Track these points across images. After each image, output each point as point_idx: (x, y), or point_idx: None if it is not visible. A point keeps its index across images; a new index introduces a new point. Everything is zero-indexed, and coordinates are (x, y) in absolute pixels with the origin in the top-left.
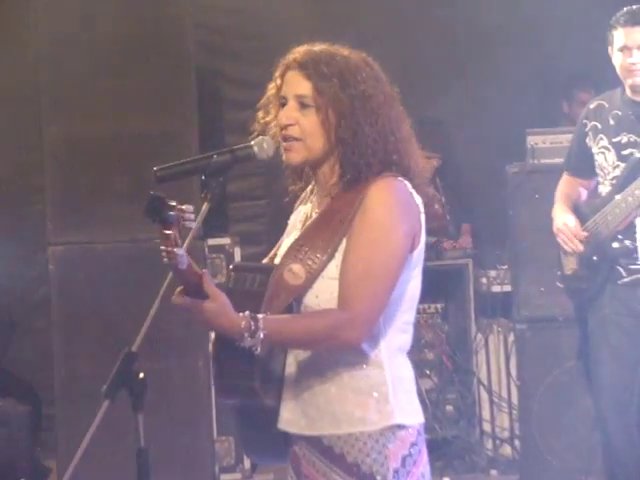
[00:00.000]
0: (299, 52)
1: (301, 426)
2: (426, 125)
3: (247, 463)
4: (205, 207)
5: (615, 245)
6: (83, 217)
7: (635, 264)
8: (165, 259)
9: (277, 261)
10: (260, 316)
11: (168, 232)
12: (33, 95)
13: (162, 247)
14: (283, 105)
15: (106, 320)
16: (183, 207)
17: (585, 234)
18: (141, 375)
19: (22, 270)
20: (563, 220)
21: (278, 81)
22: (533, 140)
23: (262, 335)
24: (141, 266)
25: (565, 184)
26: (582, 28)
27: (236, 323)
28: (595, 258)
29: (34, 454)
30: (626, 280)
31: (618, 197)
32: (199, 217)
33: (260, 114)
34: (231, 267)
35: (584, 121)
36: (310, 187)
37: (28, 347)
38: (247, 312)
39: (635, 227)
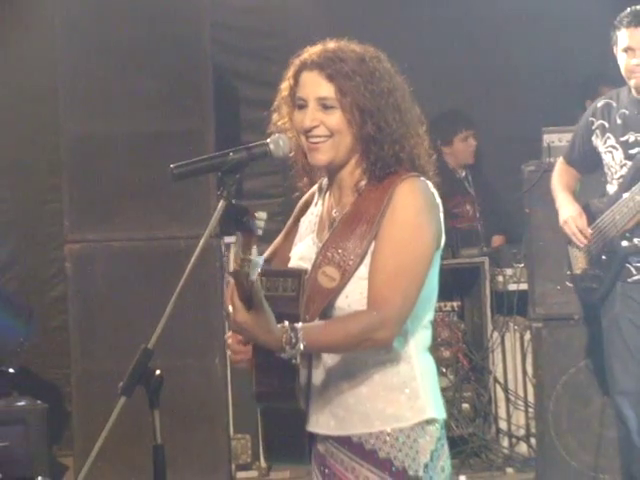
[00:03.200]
0: (314, 52)
1: (330, 427)
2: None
3: (263, 461)
4: (221, 204)
5: (624, 244)
6: (100, 215)
7: None
8: (235, 267)
9: (292, 264)
10: (299, 326)
11: (251, 240)
12: (50, 94)
13: (241, 256)
14: (300, 107)
15: (123, 317)
16: (257, 215)
17: (590, 231)
18: (157, 372)
19: (39, 268)
20: (569, 212)
21: (291, 81)
22: (549, 138)
23: (302, 347)
24: (157, 264)
25: (564, 173)
26: (601, 25)
27: (277, 337)
28: (604, 257)
29: (51, 452)
30: (636, 278)
31: (626, 195)
32: (215, 214)
33: (275, 116)
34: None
35: (590, 119)
36: (317, 185)
37: (46, 344)
38: (286, 323)
39: None
